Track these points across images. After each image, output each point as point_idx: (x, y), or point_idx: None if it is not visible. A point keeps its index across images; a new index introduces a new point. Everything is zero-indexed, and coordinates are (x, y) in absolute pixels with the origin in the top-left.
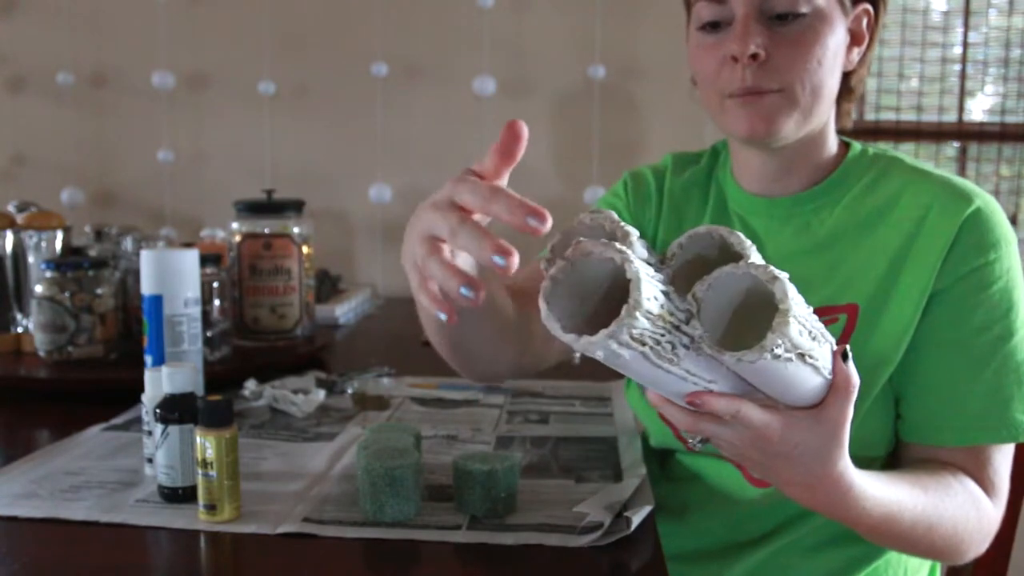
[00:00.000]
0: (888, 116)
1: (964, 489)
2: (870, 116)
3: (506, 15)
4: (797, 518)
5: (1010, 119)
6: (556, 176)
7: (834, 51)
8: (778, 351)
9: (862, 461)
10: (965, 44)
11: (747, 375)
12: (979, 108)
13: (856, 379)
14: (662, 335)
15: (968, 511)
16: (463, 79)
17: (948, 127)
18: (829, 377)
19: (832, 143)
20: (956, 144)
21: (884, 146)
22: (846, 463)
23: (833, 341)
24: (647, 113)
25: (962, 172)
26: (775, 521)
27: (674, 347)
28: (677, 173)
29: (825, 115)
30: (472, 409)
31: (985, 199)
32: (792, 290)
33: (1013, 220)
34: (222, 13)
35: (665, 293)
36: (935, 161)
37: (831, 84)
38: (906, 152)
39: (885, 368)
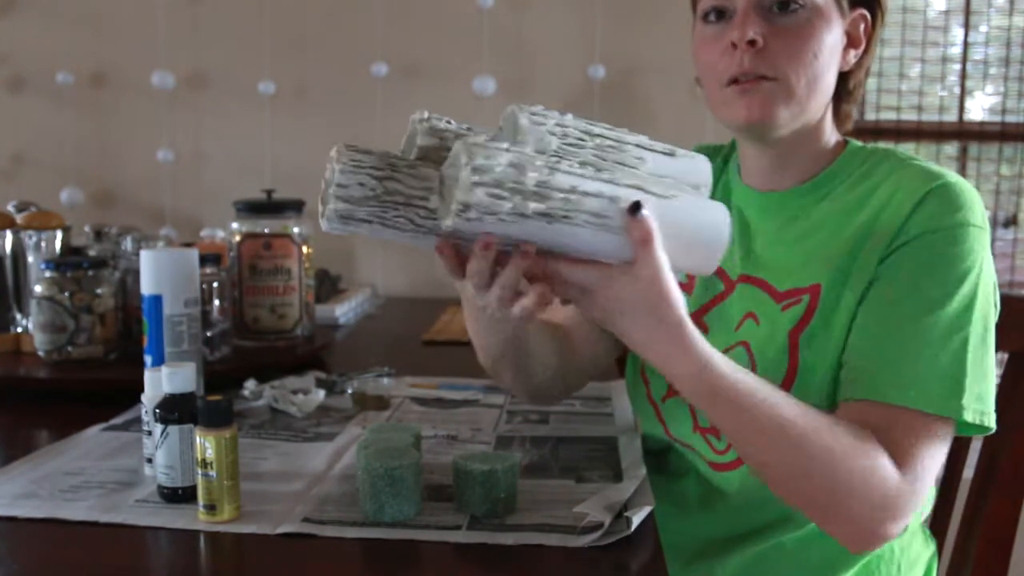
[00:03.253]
0: (888, 116)
1: (860, 438)
2: (870, 116)
3: (506, 15)
4: (790, 514)
5: (1010, 119)
6: None
7: (830, 47)
8: (469, 214)
9: None
10: (965, 44)
11: (522, 237)
12: (979, 108)
13: (652, 228)
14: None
15: (859, 458)
16: (463, 79)
17: (948, 127)
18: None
19: (829, 140)
20: (956, 144)
21: (886, 144)
22: (682, 319)
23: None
24: (647, 113)
25: (962, 172)
26: (766, 517)
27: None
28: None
29: (819, 109)
30: (472, 409)
31: (958, 180)
32: (485, 154)
33: (1013, 220)
34: (222, 13)
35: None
36: (936, 161)
37: (827, 79)
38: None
39: (843, 345)
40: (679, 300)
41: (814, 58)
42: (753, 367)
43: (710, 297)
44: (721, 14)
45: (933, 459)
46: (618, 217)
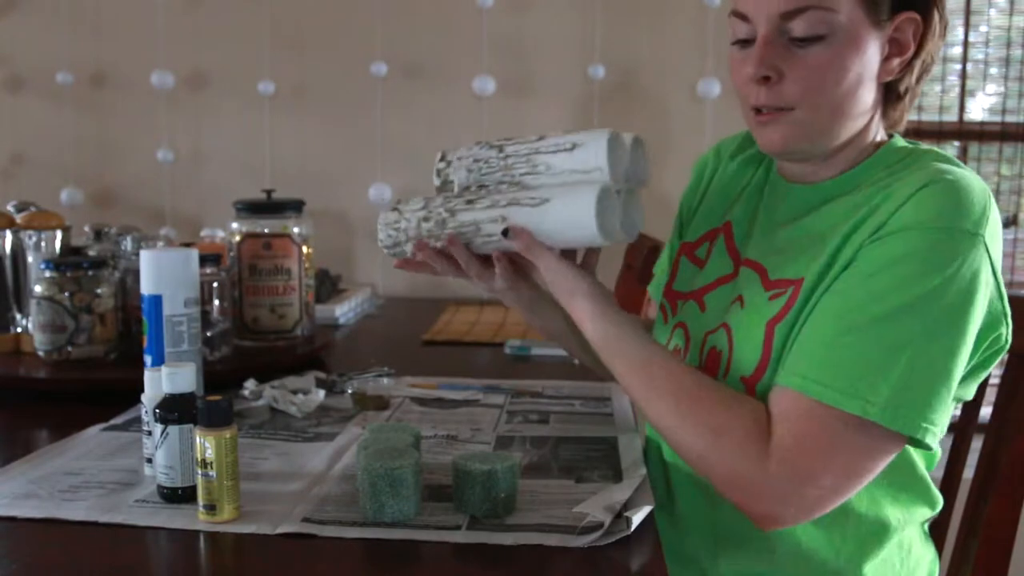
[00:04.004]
0: None
1: (753, 406)
2: None
3: (506, 15)
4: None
5: (1011, 119)
6: None
7: (858, 69)
8: (392, 250)
9: None
10: (966, 43)
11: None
12: (980, 108)
13: (526, 238)
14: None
15: (735, 409)
16: (463, 79)
17: (949, 127)
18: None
19: (868, 143)
20: (957, 144)
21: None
22: (574, 290)
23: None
24: (648, 113)
25: None
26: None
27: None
28: (741, 150)
29: (850, 129)
30: (472, 409)
31: (959, 179)
32: (389, 218)
33: (1013, 220)
34: (221, 13)
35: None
36: None
37: (854, 101)
38: None
39: None
40: (573, 274)
41: (835, 85)
42: (729, 350)
43: (716, 277)
44: (746, 42)
45: (832, 460)
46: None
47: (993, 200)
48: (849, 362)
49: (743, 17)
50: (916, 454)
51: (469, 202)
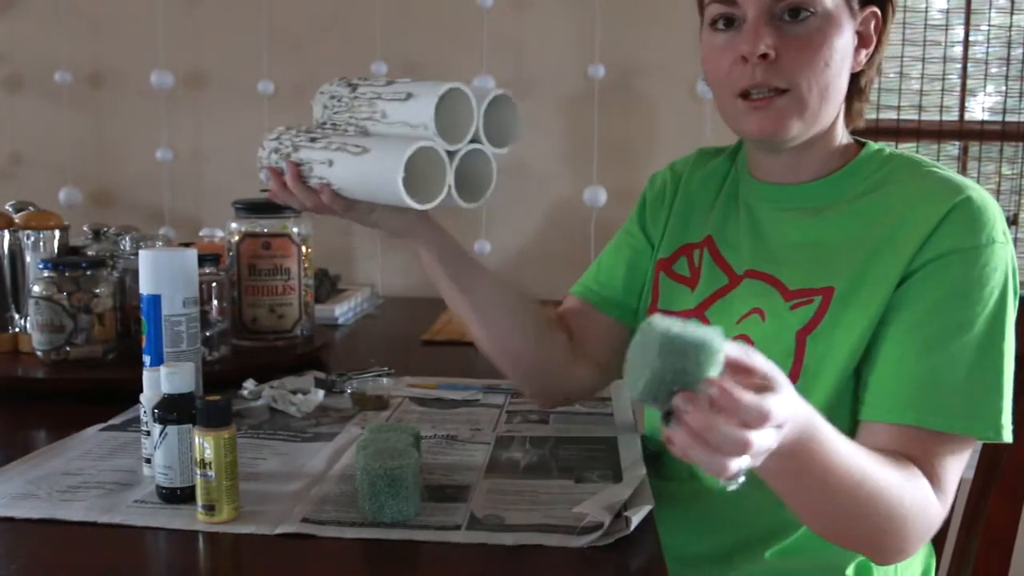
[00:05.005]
0: (889, 115)
1: (907, 473)
2: (870, 115)
3: (506, 15)
4: (787, 522)
5: (1011, 118)
6: (556, 176)
7: (842, 53)
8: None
9: None
10: (966, 43)
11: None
12: (980, 107)
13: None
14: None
15: (923, 499)
16: (463, 79)
17: (949, 126)
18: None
19: (841, 139)
20: (957, 143)
21: (906, 149)
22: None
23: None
24: (647, 113)
25: (963, 171)
26: (763, 523)
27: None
28: (699, 166)
29: (832, 115)
30: (472, 409)
31: (980, 193)
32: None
33: (1014, 220)
34: (221, 12)
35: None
36: (936, 160)
37: (838, 85)
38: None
39: (854, 352)
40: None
41: (826, 66)
42: None
43: (713, 291)
44: (730, 22)
45: (958, 474)
46: (336, 180)
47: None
48: (969, 391)
49: (729, 1)
50: None
51: (312, 140)
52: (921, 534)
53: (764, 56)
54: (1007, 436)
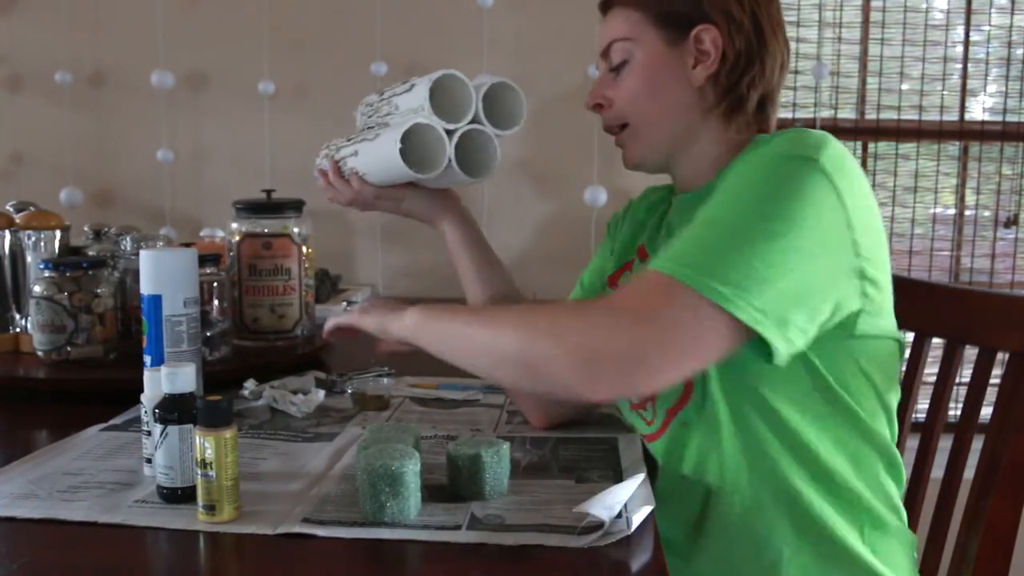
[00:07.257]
0: (889, 115)
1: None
2: (871, 115)
3: (506, 15)
4: (722, 480)
5: (1012, 118)
6: (556, 176)
7: (662, 78)
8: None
9: None
10: (967, 43)
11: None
12: (980, 107)
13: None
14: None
15: (569, 309)
16: None
17: (949, 126)
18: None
19: (722, 145)
20: (957, 144)
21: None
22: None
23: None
24: None
25: (963, 171)
26: (701, 481)
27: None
28: (645, 198)
29: (679, 129)
30: (472, 409)
31: (805, 129)
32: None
33: (1014, 220)
34: (221, 12)
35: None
36: (937, 160)
37: (669, 103)
38: (907, 151)
39: None
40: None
41: (648, 98)
42: None
43: (621, 264)
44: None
45: (672, 316)
46: (360, 166)
47: (839, 144)
48: (697, 245)
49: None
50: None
51: (349, 140)
52: (577, 338)
53: (599, 106)
54: (721, 300)
